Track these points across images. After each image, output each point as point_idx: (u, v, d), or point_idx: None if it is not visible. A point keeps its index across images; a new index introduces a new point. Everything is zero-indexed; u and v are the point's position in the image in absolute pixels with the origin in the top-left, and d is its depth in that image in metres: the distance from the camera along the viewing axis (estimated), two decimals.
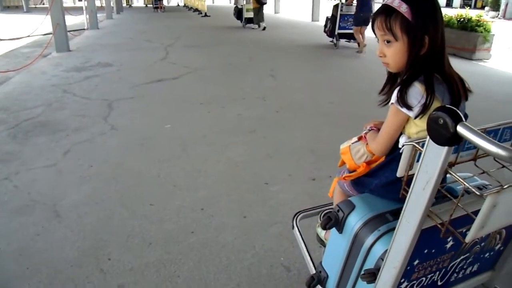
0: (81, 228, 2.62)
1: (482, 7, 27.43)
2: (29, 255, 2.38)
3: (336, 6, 9.84)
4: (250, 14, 14.65)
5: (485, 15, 12.60)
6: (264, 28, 14.10)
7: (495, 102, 5.51)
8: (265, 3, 14.46)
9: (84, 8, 14.53)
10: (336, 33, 9.92)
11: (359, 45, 9.42)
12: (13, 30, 13.90)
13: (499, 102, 5.53)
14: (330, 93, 5.91)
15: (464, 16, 9.11)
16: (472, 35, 8.79)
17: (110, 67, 7.64)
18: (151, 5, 27.62)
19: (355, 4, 9.28)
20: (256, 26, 14.58)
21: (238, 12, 15.74)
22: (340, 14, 9.67)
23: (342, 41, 10.12)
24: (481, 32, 8.63)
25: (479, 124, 1.13)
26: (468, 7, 14.34)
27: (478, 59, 8.73)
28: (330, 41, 10.40)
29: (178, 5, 35.46)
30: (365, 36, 9.22)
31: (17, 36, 12.36)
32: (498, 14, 23.93)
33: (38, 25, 11.40)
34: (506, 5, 23.95)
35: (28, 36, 12.37)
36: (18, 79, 6.74)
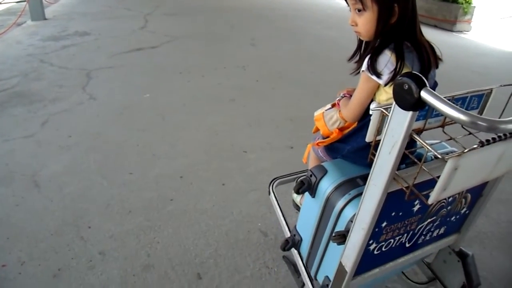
0: (61, 198, 2.63)
1: None
2: (9, 225, 2.38)
3: None
4: None
5: None
6: None
7: (472, 72, 5.58)
8: None
9: None
10: None
11: None
12: None
13: (475, 73, 5.60)
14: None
15: None
16: (453, 7, 8.78)
17: (88, 36, 7.44)
18: None
19: None
20: None
21: None
22: None
23: None
24: (462, 3, 8.65)
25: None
26: None
27: (459, 30, 8.74)
28: None
29: None
30: None
31: None
32: None
33: None
34: None
35: (0, 3, 11.94)
36: None
